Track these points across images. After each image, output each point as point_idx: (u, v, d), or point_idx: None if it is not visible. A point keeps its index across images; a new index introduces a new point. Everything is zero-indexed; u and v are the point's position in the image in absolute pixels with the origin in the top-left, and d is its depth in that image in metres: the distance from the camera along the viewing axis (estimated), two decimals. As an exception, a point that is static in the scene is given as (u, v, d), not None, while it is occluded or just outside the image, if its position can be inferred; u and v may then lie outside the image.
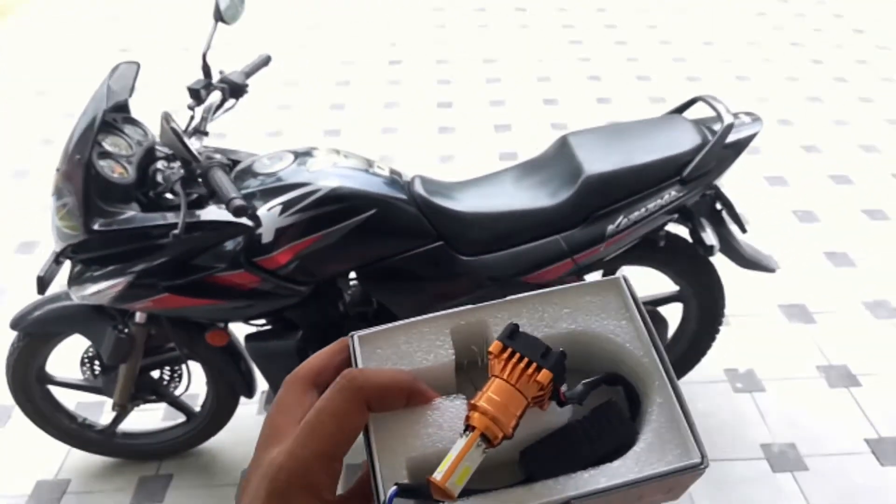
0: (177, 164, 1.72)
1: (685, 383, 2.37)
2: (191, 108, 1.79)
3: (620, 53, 4.84)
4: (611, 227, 1.77)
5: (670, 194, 1.78)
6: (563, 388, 0.40)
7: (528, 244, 1.79)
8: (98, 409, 2.39)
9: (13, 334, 1.98)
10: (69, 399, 2.24)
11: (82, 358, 2.09)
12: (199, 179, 1.59)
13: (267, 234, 1.68)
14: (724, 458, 2.20)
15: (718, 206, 1.94)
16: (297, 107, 4.29)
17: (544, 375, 0.38)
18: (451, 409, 0.41)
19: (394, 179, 1.82)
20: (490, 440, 0.37)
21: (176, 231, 1.45)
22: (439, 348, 0.44)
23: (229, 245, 1.70)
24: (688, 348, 2.21)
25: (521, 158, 3.62)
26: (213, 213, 1.62)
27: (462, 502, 0.37)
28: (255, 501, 0.37)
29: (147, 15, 5.46)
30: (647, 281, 2.19)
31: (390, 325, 0.44)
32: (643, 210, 1.77)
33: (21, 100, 4.38)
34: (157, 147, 1.80)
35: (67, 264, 1.79)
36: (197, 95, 1.78)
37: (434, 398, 0.42)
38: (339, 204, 1.70)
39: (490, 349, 0.40)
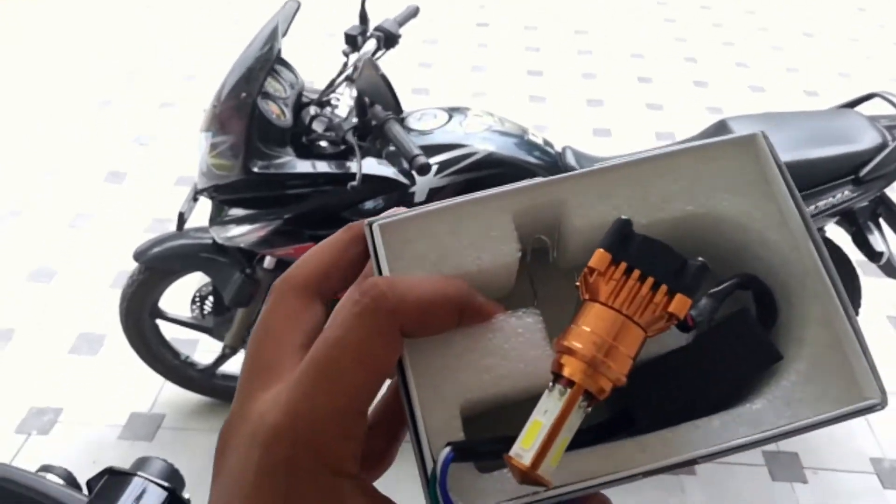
0: (328, 111, 1.67)
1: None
2: (345, 54, 1.73)
3: (716, 36, 4.68)
4: (774, 224, 1.69)
5: (843, 194, 1.69)
6: None
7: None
8: (192, 347, 2.38)
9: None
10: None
11: (194, 296, 2.07)
12: (371, 131, 1.53)
13: (420, 194, 1.62)
14: (831, 468, 2.14)
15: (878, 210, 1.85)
16: (437, 65, 4.18)
17: (680, 303, 0.27)
18: (519, 330, 0.30)
19: (547, 150, 1.75)
20: (593, 396, 0.26)
21: (354, 183, 1.39)
22: (497, 241, 0.31)
23: (379, 201, 1.64)
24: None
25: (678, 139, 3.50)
26: (373, 167, 1.56)
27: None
28: (242, 478, 0.25)
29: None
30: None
31: (425, 207, 0.31)
32: (812, 208, 1.68)
33: (107, 32, 4.33)
34: (305, 92, 1.74)
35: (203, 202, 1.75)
36: (353, 42, 1.71)
37: (494, 314, 0.30)
38: (493, 169, 1.64)
39: (592, 263, 0.27)
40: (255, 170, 1.51)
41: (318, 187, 1.56)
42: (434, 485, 0.27)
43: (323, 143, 1.63)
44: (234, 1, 4.64)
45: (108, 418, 2.21)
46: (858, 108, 1.86)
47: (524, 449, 0.25)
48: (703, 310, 0.29)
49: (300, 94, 1.71)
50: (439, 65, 4.19)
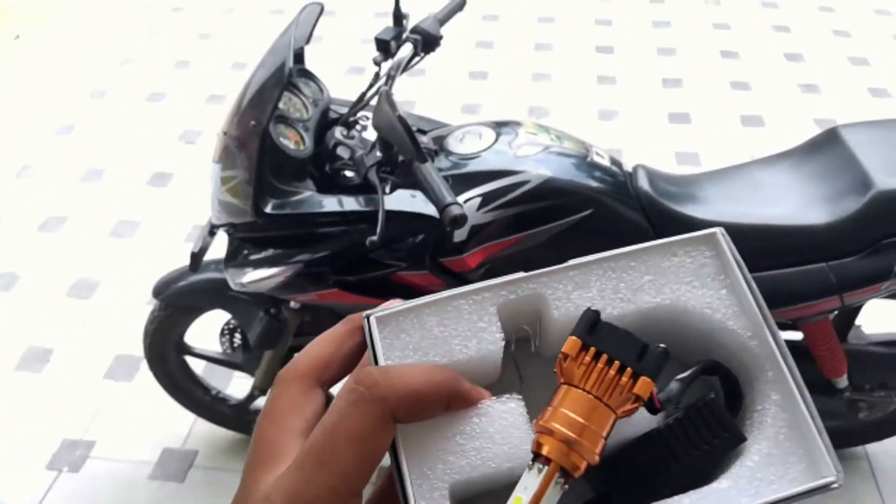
0: (357, 135, 1.43)
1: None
2: (377, 62, 1.47)
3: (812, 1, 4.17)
4: (901, 262, 1.36)
5: None
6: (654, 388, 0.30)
7: (782, 269, 1.41)
8: (226, 379, 2.21)
9: (145, 273, 1.78)
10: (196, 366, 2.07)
11: (223, 329, 1.90)
12: (396, 167, 1.28)
13: (460, 232, 1.37)
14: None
15: None
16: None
17: (644, 386, 0.29)
18: (504, 415, 0.32)
19: (615, 171, 1.46)
20: (569, 473, 0.29)
21: (374, 238, 1.16)
22: (483, 332, 0.34)
23: (414, 240, 1.40)
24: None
25: (696, 124, 3.11)
26: (405, 201, 1.32)
27: None
28: None
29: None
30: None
31: (418, 301, 0.34)
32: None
33: (157, 17, 4.20)
34: (332, 107, 1.50)
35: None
36: (386, 48, 1.45)
37: (480, 399, 0.32)
38: (550, 200, 1.37)
39: (564, 349, 0.30)
40: (268, 210, 1.29)
41: (344, 226, 1.33)
42: None
43: (348, 174, 1.39)
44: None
45: (140, 454, 2.08)
46: None
47: None
48: (670, 393, 0.32)
49: (326, 111, 1.48)
50: (498, 45, 3.87)
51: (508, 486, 0.30)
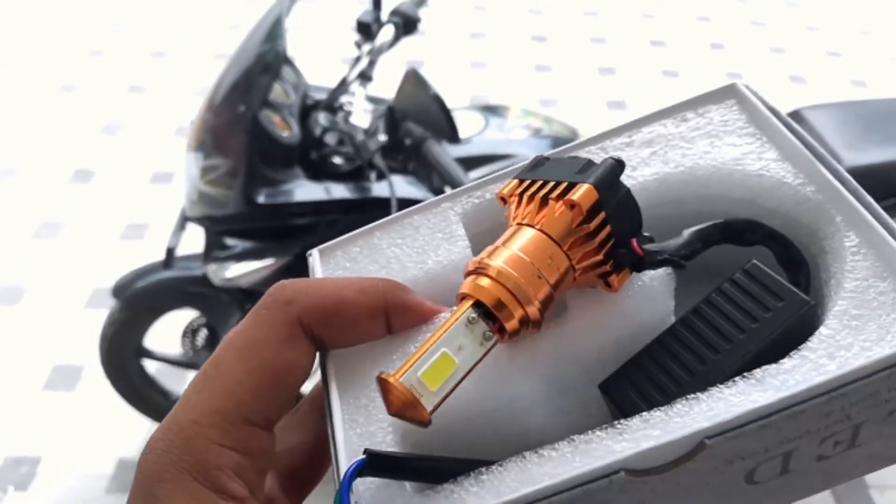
0: (340, 116, 1.38)
1: None
2: (358, 45, 1.42)
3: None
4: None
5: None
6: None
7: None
8: (180, 383, 2.10)
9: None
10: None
11: (185, 330, 1.79)
12: (402, 151, 1.24)
13: (458, 218, 1.34)
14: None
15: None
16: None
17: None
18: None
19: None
20: (496, 317, 0.23)
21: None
22: (444, 242, 0.29)
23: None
24: None
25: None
26: (402, 188, 1.28)
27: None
28: (132, 495, 0.24)
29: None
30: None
31: (370, 225, 0.30)
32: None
33: (67, 8, 3.91)
34: (309, 93, 1.45)
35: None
36: (367, 31, 1.41)
37: (433, 313, 0.27)
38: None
39: (499, 192, 0.26)
40: (260, 200, 1.22)
41: (334, 215, 1.28)
42: (338, 496, 0.22)
43: (337, 160, 1.34)
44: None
45: (92, 467, 1.94)
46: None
47: (426, 387, 0.22)
48: (667, 245, 0.25)
49: (304, 97, 1.42)
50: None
51: (479, 423, 0.25)
